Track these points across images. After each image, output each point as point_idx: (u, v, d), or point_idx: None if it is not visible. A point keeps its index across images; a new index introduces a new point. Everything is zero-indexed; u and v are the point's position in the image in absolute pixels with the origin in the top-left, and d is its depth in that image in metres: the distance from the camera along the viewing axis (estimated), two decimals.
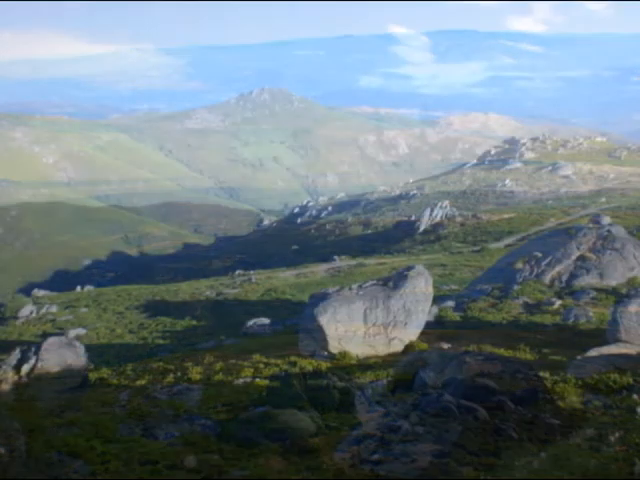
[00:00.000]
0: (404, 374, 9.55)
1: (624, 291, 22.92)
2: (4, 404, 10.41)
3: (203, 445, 10.72)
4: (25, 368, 11.10)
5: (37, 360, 11.21)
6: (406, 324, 20.28)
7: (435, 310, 23.45)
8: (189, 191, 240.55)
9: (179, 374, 21.62)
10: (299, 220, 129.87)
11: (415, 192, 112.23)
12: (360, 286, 21.27)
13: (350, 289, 20.97)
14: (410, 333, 20.46)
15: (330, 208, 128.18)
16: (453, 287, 39.16)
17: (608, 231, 26.86)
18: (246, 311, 39.86)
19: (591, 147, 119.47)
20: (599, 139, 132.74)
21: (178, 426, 11.51)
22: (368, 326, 20.01)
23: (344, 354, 19.58)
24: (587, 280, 24.49)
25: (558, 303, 22.90)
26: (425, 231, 77.91)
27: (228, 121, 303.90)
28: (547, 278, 25.40)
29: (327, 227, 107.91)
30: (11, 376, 10.96)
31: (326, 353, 20.02)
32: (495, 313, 22.84)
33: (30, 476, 7.73)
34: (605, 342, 14.69)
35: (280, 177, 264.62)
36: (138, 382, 21.07)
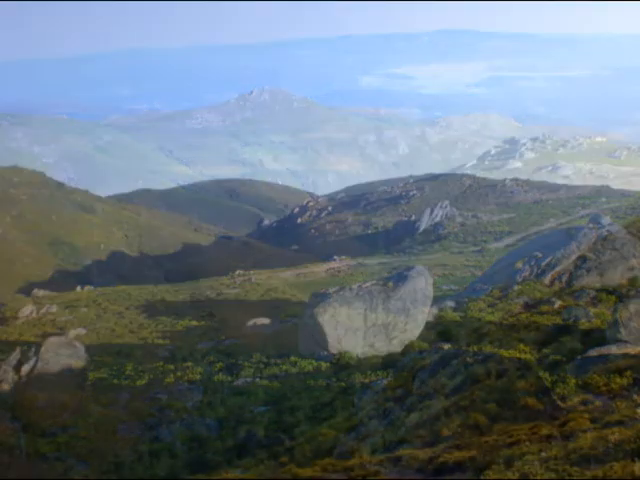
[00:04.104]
0: (404, 374, 9.56)
1: (624, 291, 22.91)
2: (4, 404, 10.42)
3: (203, 445, 10.73)
4: (25, 368, 11.11)
5: (37, 360, 11.21)
6: (406, 324, 20.29)
7: (435, 310, 23.44)
8: (189, 191, 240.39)
9: (179, 374, 21.65)
10: (299, 220, 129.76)
11: (415, 192, 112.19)
12: (360, 286, 21.28)
13: (350, 289, 20.98)
14: (410, 333, 20.46)
15: (330, 208, 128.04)
16: (453, 287, 39.19)
17: (608, 231, 26.85)
18: (246, 311, 39.83)
19: (591, 147, 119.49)
20: (599, 139, 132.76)
21: (178, 426, 11.52)
22: (368, 326, 20.01)
23: (344, 354, 19.60)
24: (587, 280, 24.49)
25: (558, 303, 22.88)
26: (425, 231, 77.91)
27: (228, 121, 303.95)
28: (547, 278, 25.40)
29: (327, 227, 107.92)
30: (11, 376, 10.96)
31: (326, 353, 20.03)
32: (495, 313, 22.82)
33: (30, 476, 7.74)
34: (605, 342, 14.68)
35: (280, 177, 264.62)
36: (138, 382, 21.09)
